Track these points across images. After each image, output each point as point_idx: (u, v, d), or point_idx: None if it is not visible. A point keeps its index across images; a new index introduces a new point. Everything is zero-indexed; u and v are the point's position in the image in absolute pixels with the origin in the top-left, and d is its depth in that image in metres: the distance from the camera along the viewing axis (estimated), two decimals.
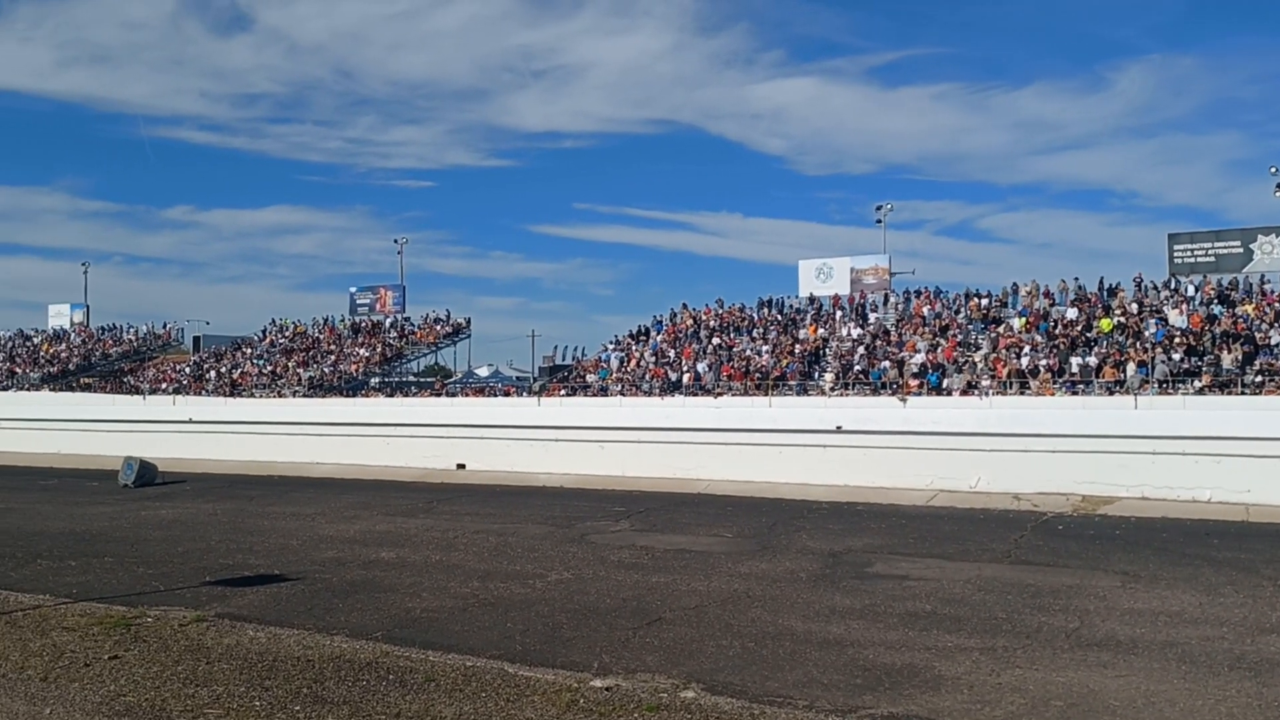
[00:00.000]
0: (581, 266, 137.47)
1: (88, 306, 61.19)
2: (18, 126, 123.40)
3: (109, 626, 8.69)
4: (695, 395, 31.58)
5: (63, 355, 55.79)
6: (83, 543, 14.14)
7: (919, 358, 29.63)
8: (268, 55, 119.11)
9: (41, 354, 56.59)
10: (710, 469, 21.64)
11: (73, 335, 59.23)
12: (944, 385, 27.90)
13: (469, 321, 49.32)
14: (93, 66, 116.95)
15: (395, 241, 55.88)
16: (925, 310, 33.80)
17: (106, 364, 54.93)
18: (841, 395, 28.92)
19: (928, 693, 6.93)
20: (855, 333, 33.41)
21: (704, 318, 38.33)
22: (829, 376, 30.51)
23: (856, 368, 30.47)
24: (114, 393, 47.00)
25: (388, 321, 50.07)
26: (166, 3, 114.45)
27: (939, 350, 29.95)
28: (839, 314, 35.78)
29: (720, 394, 31.06)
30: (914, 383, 28.32)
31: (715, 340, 35.59)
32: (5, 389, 50.53)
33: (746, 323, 36.90)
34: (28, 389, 49.79)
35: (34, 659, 7.69)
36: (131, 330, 58.92)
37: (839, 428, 21.30)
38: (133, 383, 49.92)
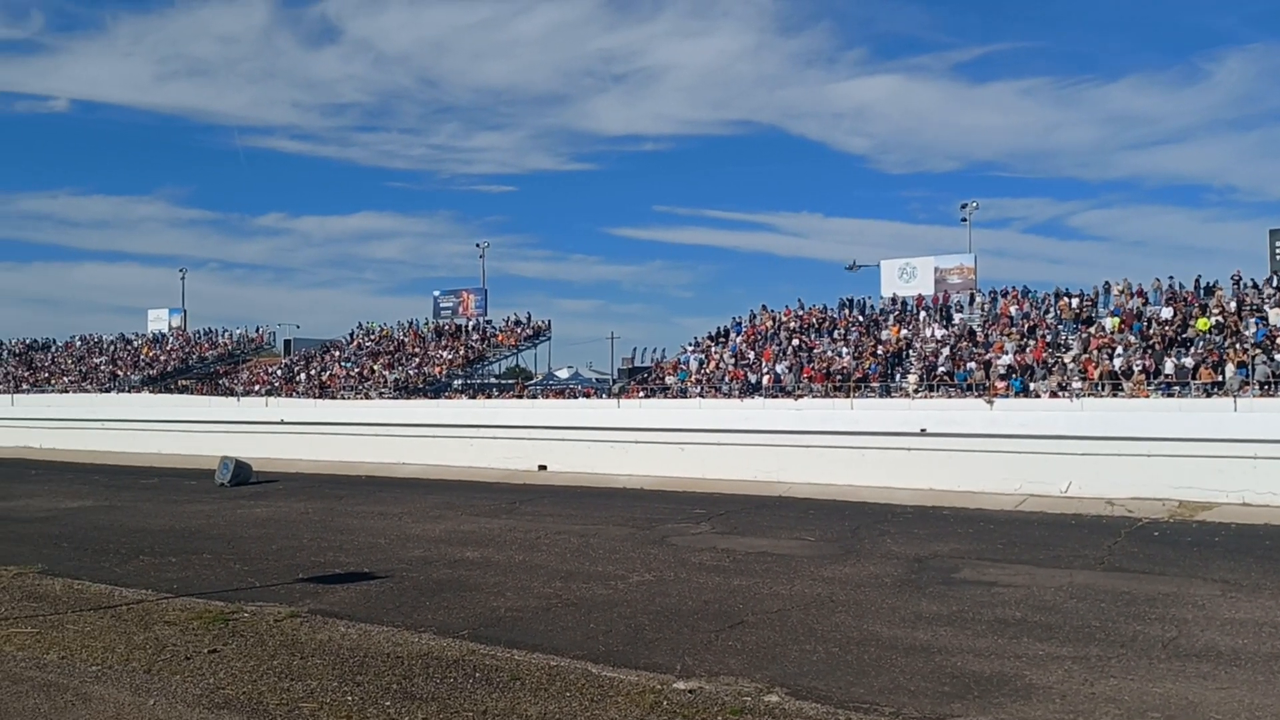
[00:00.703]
0: (661, 269, 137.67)
1: (185, 311, 63.46)
2: (121, 138, 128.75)
3: (208, 621, 9.00)
4: (775, 397, 31.36)
5: (161, 358, 57.94)
6: (182, 540, 14.66)
7: (1006, 359, 28.97)
8: (355, 65, 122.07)
9: (142, 357, 58.85)
10: (791, 471, 21.48)
11: (171, 339, 61.47)
12: (1030, 388, 27.22)
13: (549, 324, 49.77)
14: (190, 80, 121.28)
15: (477, 245, 56.63)
16: (1013, 310, 33.03)
17: (203, 367, 56.89)
18: (925, 397, 28.43)
19: (1018, 701, 6.78)
20: (939, 333, 32.82)
21: (784, 319, 38.06)
22: (912, 378, 30.01)
23: (941, 369, 29.93)
24: (210, 395, 48.61)
25: (470, 324, 50.83)
26: (259, 16, 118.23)
27: (1027, 351, 29.24)
28: (923, 314, 35.17)
29: (800, 396, 30.79)
30: (1001, 384, 27.69)
31: (795, 342, 35.31)
32: (108, 391, 52.68)
33: (827, 324, 36.52)
34: (129, 391, 51.82)
35: (138, 652, 8.00)
36: (226, 334, 60.92)
37: (923, 430, 20.95)
38: (227, 385, 51.59)
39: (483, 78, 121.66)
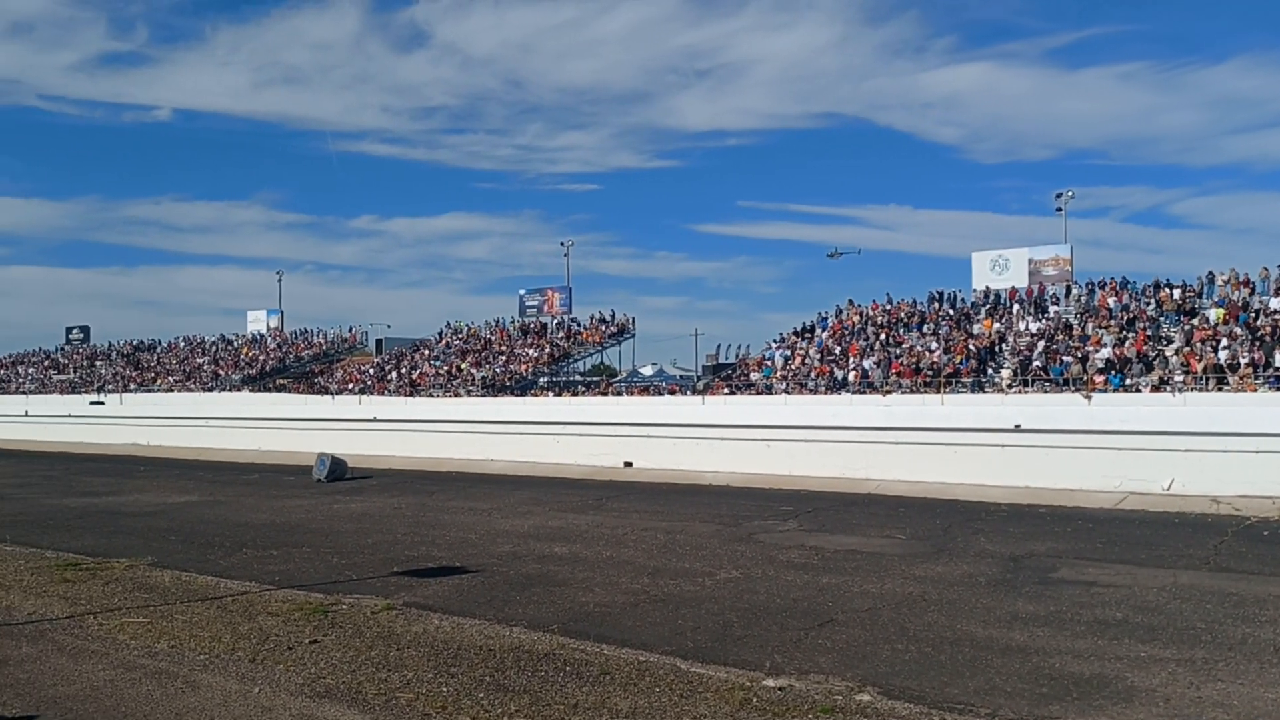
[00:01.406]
0: (745, 264, 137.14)
1: (282, 312, 65.47)
2: (220, 145, 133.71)
3: (308, 612, 9.28)
4: (862, 393, 30.94)
5: (260, 358, 59.85)
6: (282, 533, 15.14)
7: (1105, 352, 28.09)
8: (443, 69, 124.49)
9: (242, 357, 60.89)
10: (880, 469, 21.18)
11: (269, 339, 63.44)
12: (1128, 381, 26.33)
13: (633, 321, 49.97)
14: (286, 87, 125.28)
15: (562, 244, 57.11)
16: (1111, 302, 32.00)
17: (299, 366, 58.61)
18: (1020, 393, 27.72)
19: (1120, 704, 6.58)
20: (1034, 327, 31.97)
21: (871, 313, 37.53)
22: (1006, 373, 29.31)
23: (1035, 364, 29.15)
24: (306, 393, 50.08)
25: (555, 322, 51.32)
26: (351, 23, 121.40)
27: (1126, 344, 28.29)
28: (1016, 307, 34.30)
29: (889, 392, 30.32)
30: (1099, 379, 26.86)
31: (883, 337, 34.78)
32: (210, 390, 54.65)
33: (916, 318, 35.88)
34: (230, 390, 53.67)
35: (243, 641, 8.29)
36: (321, 334, 62.65)
37: (1017, 426, 20.45)
38: (322, 383, 53.05)
39: (567, 77, 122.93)
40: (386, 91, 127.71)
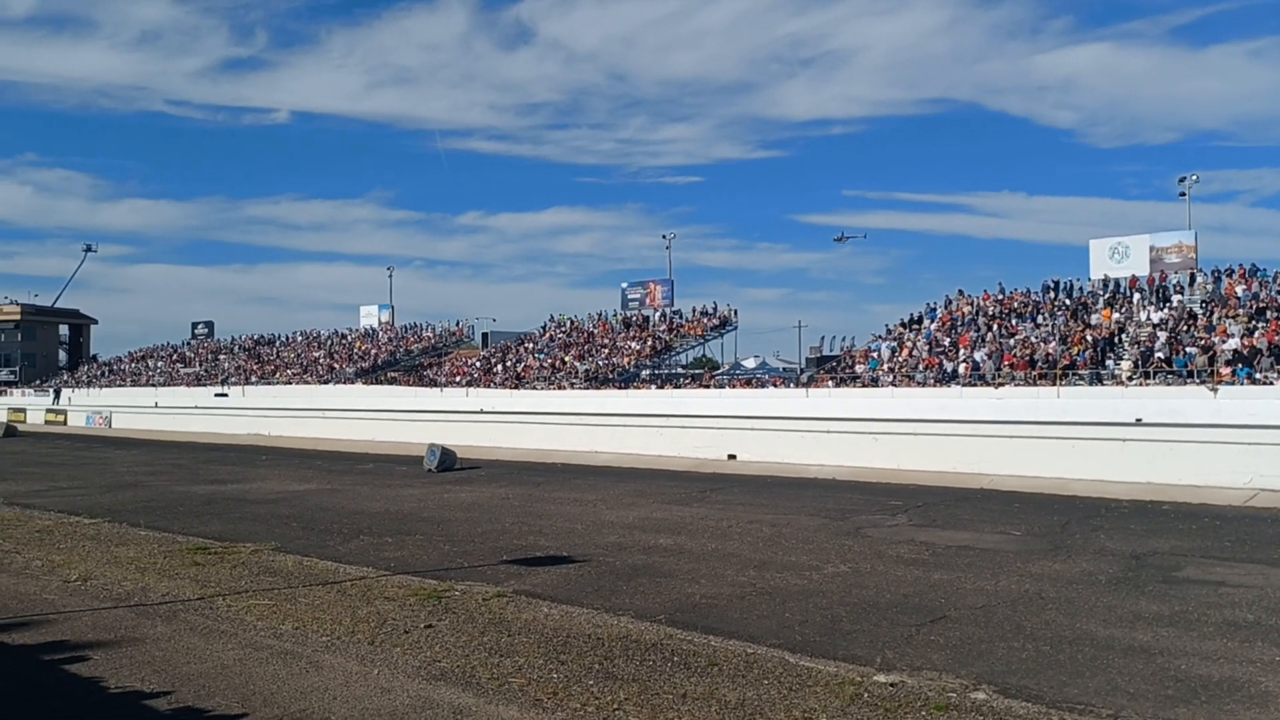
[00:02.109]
0: (850, 255, 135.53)
1: (392, 307, 67.34)
2: (335, 146, 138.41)
3: (423, 598, 9.54)
4: (973, 386, 30.19)
5: (372, 352, 61.61)
6: (396, 521, 15.59)
7: (1232, 343, 26.76)
8: (548, 65, 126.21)
9: (355, 351, 62.79)
10: (992, 463, 20.63)
11: (380, 333, 65.25)
12: (1257, 375, 25.03)
13: (735, 313, 49.82)
14: (397, 88, 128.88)
15: (664, 237, 57.28)
16: (1239, 290, 30.46)
17: (409, 359, 60.15)
18: (1140, 385, 26.67)
19: (1252, 709, 6.28)
20: (1156, 317, 30.67)
21: (982, 304, 36.56)
22: (1125, 365, 28.21)
23: (1158, 355, 27.98)
24: (415, 386, 51.43)
25: (656, 315, 51.46)
26: (459, 23, 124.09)
27: (1255, 334, 26.91)
28: (1137, 296, 32.97)
29: (1001, 384, 29.53)
30: (1225, 370, 25.61)
31: (995, 327, 33.84)
32: (325, 382, 56.57)
33: (1030, 308, 34.82)
34: (344, 382, 55.47)
35: (361, 624, 8.57)
36: (430, 328, 64.16)
37: (1139, 420, 19.67)
38: (431, 376, 54.36)
39: (669, 70, 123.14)
40: (492, 89, 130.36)
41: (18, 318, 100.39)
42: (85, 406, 59.46)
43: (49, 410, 60.81)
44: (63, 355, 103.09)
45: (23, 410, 62.30)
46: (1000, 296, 36.47)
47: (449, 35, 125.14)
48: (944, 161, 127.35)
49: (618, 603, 9.49)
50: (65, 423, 56.69)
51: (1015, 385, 29.21)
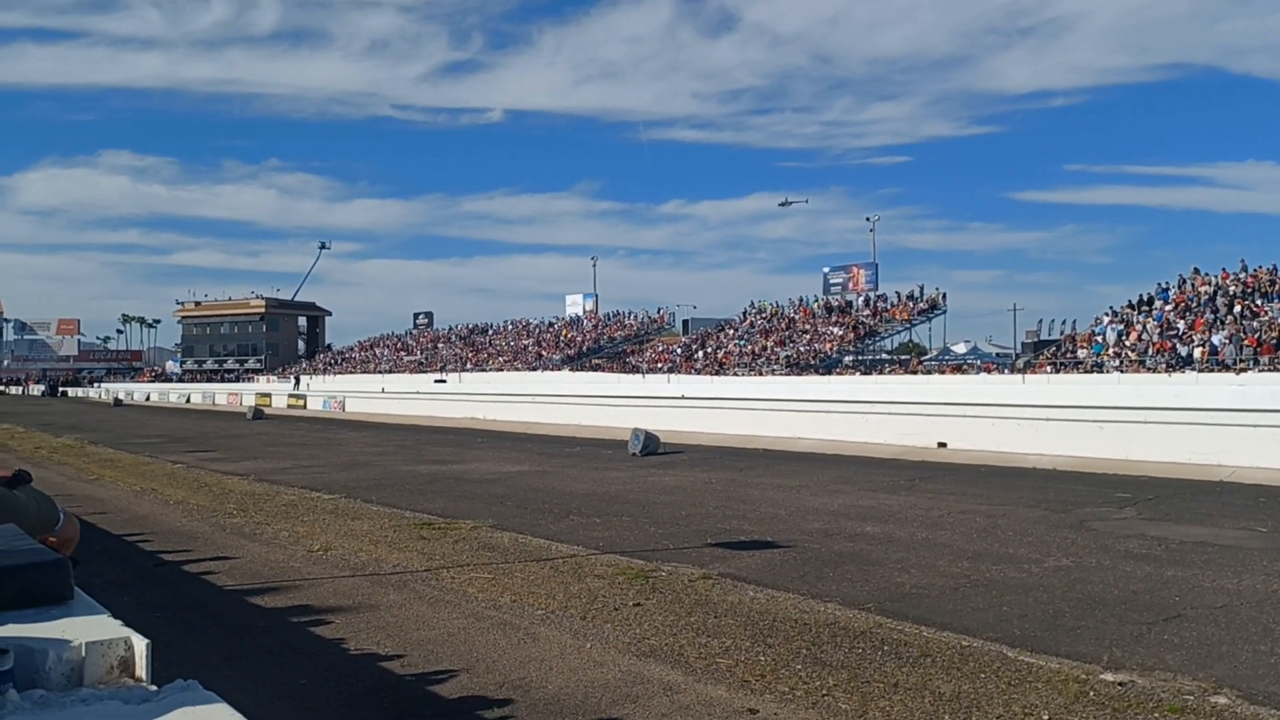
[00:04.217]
0: (1073, 233, 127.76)
1: (596, 295, 69.22)
2: (544, 142, 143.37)
3: (630, 577, 9.76)
4: (1210, 371, 27.85)
5: (577, 339, 63.52)
6: (603, 503, 16.01)
7: None
8: (751, 51, 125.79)
9: (561, 338, 64.93)
10: (1234, 454, 18.97)
11: (584, 322, 67.15)
12: None
13: (944, 297, 48.13)
14: (602, 81, 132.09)
15: (868, 220, 55.99)
16: None
17: (612, 346, 61.60)
18: None
19: None
20: None
21: (1222, 282, 33.64)
22: None
23: None
24: (618, 372, 52.60)
25: (860, 300, 50.37)
26: (663, 14, 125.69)
27: None
28: None
29: (1243, 369, 27.09)
30: None
31: (1237, 309, 31.06)
32: (534, 369, 58.79)
33: (1278, 287, 31.74)
34: (551, 369, 57.48)
35: (574, 600, 8.87)
36: (632, 316, 65.45)
37: None
38: (633, 363, 55.42)
39: (877, 48, 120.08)
40: (696, 77, 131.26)
41: (263, 311, 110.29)
42: (321, 392, 64.40)
43: (290, 395, 66.26)
44: (301, 344, 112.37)
45: (269, 395, 68.20)
46: (1242, 275, 33.40)
47: (653, 27, 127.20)
48: (1180, 131, 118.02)
49: (824, 589, 9.38)
50: (305, 407, 61.57)
51: (1260, 370, 26.72)
